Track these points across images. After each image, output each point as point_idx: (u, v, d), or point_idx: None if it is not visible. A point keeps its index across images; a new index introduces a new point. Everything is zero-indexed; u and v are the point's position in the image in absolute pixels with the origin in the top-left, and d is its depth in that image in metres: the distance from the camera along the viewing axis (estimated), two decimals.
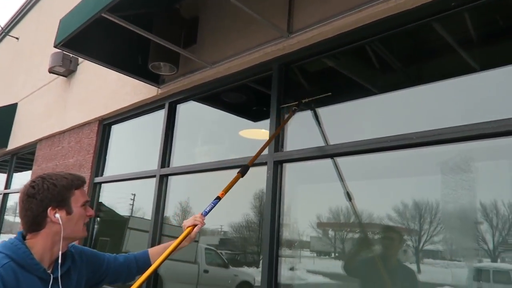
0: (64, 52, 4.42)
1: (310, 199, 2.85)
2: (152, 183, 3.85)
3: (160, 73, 3.52)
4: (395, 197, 2.26)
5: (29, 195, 1.44)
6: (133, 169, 4.32)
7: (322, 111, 2.76)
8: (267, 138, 3.47)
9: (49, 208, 1.44)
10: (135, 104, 4.31)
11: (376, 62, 2.61)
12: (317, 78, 3.03)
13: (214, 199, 1.94)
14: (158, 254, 1.72)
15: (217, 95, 3.71)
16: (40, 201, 1.43)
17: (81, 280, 1.58)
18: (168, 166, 3.84)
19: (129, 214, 4.72)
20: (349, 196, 2.48)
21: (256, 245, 3.20)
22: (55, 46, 3.18)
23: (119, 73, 4.51)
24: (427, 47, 2.44)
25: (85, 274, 1.61)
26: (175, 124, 3.97)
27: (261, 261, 2.71)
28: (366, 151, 2.36)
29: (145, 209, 4.31)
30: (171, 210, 3.82)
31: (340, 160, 2.54)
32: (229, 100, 3.85)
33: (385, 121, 2.42)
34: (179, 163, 3.82)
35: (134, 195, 4.69)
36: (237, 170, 3.18)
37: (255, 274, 3.10)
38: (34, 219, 1.43)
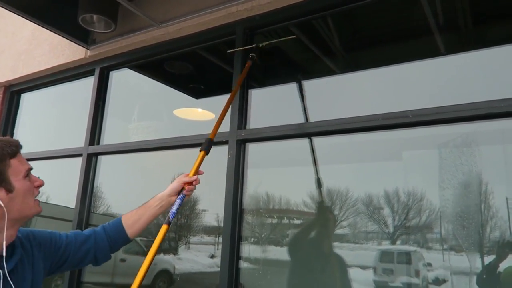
0: None
1: (275, 183, 2.53)
2: (77, 163, 3.20)
3: (93, 30, 2.87)
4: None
5: None
6: (52, 146, 3.59)
7: (294, 85, 2.44)
8: (205, 118, 3.10)
9: None
10: (54, 68, 3.56)
11: (363, 30, 2.34)
12: (289, 50, 2.67)
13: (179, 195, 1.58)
14: (134, 218, 1.54)
15: (160, 63, 3.18)
16: None
17: (38, 268, 1.30)
18: (98, 143, 3.23)
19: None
20: (319, 183, 2.22)
21: (174, 232, 2.99)
22: None
23: (33, 31, 3.74)
24: (422, 21, 2.21)
25: (41, 259, 1.34)
26: (107, 94, 3.35)
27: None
28: (345, 131, 2.10)
29: (63, 194, 3.66)
30: (101, 196, 3.23)
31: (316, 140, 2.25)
32: (172, 70, 3.35)
33: (371, 99, 2.17)
34: (111, 140, 3.23)
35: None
36: (181, 149, 2.83)
37: (174, 261, 2.99)
38: None
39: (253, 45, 2.26)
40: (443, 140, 1.90)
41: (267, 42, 2.21)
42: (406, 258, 1.97)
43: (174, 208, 1.51)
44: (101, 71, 3.32)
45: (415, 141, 2.03)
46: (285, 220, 2.47)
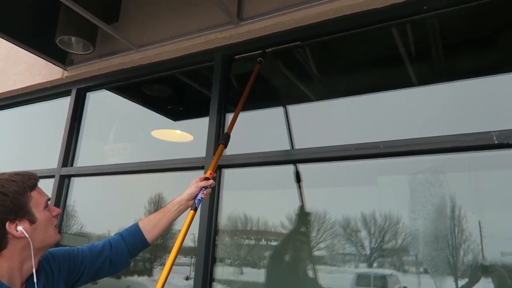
0: None
1: (252, 206, 2.52)
2: (49, 185, 3.12)
3: (71, 51, 2.85)
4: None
5: None
6: (23, 167, 3.48)
7: (271, 111, 2.48)
8: (183, 140, 3.10)
9: (7, 223, 1.20)
10: (30, 87, 3.50)
11: (338, 62, 2.41)
12: (266, 76, 2.72)
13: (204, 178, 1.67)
14: (153, 223, 1.58)
15: (138, 86, 3.18)
16: None
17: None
18: (72, 165, 3.16)
19: None
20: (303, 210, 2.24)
21: (149, 252, 2.93)
22: None
23: (9, 49, 3.69)
24: (396, 51, 2.29)
25: (62, 280, 1.39)
26: (83, 115, 3.30)
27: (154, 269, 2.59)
28: (318, 160, 2.13)
29: None
30: (74, 215, 3.14)
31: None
32: (150, 93, 3.34)
33: (348, 129, 2.21)
34: (85, 162, 3.17)
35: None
36: (155, 173, 2.81)
37: (148, 283, 2.92)
38: None
39: (260, 51, 2.34)
40: (414, 170, 1.95)
41: (273, 48, 2.32)
42: (382, 281, 1.98)
43: (199, 196, 1.60)
44: (77, 92, 3.29)
45: (389, 167, 2.07)
46: (262, 242, 2.46)
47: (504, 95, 1.84)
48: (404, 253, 1.94)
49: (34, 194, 1.28)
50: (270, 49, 2.32)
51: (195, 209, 1.56)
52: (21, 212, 1.24)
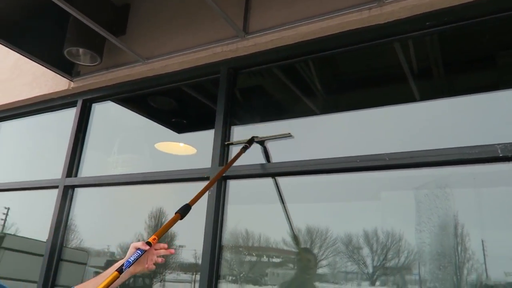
0: None
1: (255, 220, 2.52)
2: (53, 196, 3.12)
3: (79, 63, 2.89)
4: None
5: None
6: (28, 177, 3.50)
7: (275, 124, 2.50)
8: (186, 153, 3.11)
9: None
10: (36, 98, 3.53)
11: (342, 76, 2.44)
12: (271, 90, 2.75)
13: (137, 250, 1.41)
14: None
15: (144, 98, 3.21)
16: None
17: None
18: (76, 175, 3.17)
19: (4, 231, 3.83)
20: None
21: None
22: None
23: (16, 60, 3.74)
24: (397, 67, 2.33)
25: None
26: (89, 126, 3.33)
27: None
28: (324, 172, 2.14)
29: (34, 227, 3.53)
30: (74, 229, 3.13)
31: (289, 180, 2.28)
32: (156, 105, 3.37)
33: (350, 141, 2.23)
34: (89, 173, 3.18)
35: (8, 208, 3.82)
36: (157, 184, 2.81)
37: None
38: None
39: (249, 139, 2.24)
40: (419, 183, 1.95)
41: (262, 138, 2.24)
42: None
43: (131, 258, 1.37)
44: (83, 103, 3.32)
45: (392, 182, 2.08)
46: (264, 258, 2.44)
47: (508, 110, 1.86)
48: (407, 271, 1.91)
49: None
50: (258, 138, 2.24)
51: (120, 271, 1.31)
52: None
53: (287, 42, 2.35)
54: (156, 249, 1.51)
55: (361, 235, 2.03)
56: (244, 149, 2.16)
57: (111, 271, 1.32)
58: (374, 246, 2.00)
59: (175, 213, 1.59)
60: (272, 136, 2.26)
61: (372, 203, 2.11)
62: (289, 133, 2.23)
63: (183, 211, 1.61)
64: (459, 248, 1.78)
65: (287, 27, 2.29)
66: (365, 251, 2.02)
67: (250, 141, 2.20)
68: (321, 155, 2.11)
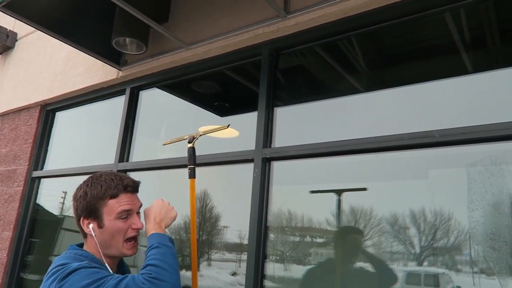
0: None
1: (300, 201, 2.53)
2: None
3: (126, 52, 3.01)
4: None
5: (73, 197, 1.40)
6: (83, 163, 3.73)
7: (318, 104, 2.48)
8: (229, 135, 3.13)
9: (81, 218, 1.36)
10: (88, 88, 3.73)
11: (388, 49, 2.36)
12: (313, 69, 2.71)
13: None
14: None
15: (187, 83, 3.28)
16: (76, 209, 1.38)
17: None
18: (127, 160, 3.33)
19: (65, 213, 4.12)
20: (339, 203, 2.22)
21: (188, 247, 2.96)
22: None
23: (69, 53, 3.95)
24: (447, 38, 2.21)
25: None
26: (137, 113, 3.47)
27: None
28: (371, 150, 2.10)
29: None
30: None
31: (340, 159, 2.26)
32: (199, 90, 3.44)
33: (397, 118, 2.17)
34: (140, 157, 3.33)
35: (66, 192, 4.09)
36: (202, 167, 2.84)
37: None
38: (77, 224, 1.39)
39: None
40: (471, 160, 1.87)
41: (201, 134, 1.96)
42: (434, 280, 1.92)
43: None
44: (131, 91, 3.45)
45: (441, 159, 2.01)
46: (308, 238, 2.46)
47: None
48: (457, 252, 1.86)
49: (111, 202, 1.34)
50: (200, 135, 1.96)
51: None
52: (93, 214, 1.34)
53: (330, 19, 2.30)
54: None
55: (408, 214, 1.99)
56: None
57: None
58: (421, 226, 1.96)
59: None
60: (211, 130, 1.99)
61: (419, 181, 2.06)
62: (229, 124, 1.96)
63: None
64: None
65: (329, 3, 2.24)
66: (412, 231, 1.98)
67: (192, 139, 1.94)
68: (367, 133, 2.08)
